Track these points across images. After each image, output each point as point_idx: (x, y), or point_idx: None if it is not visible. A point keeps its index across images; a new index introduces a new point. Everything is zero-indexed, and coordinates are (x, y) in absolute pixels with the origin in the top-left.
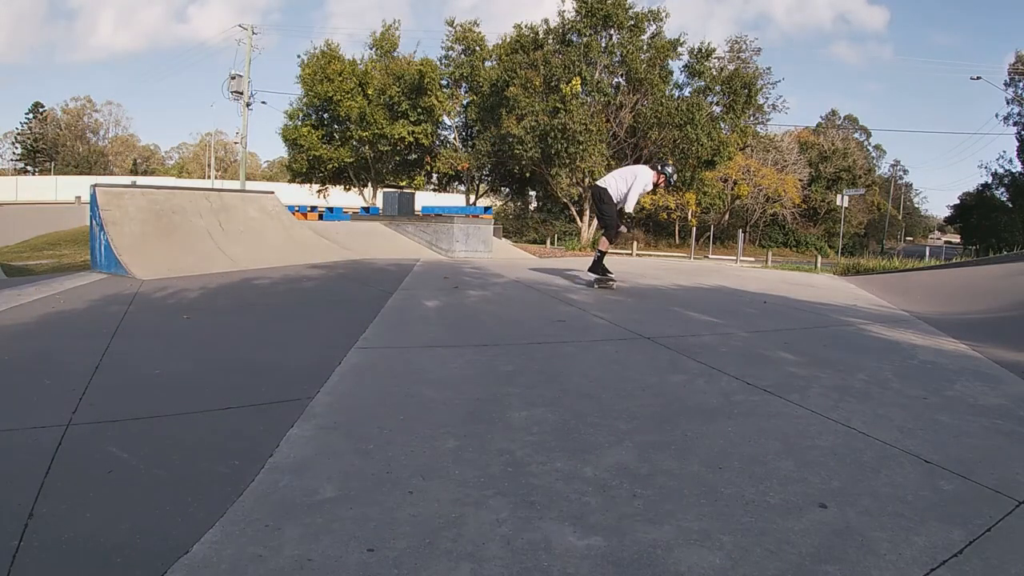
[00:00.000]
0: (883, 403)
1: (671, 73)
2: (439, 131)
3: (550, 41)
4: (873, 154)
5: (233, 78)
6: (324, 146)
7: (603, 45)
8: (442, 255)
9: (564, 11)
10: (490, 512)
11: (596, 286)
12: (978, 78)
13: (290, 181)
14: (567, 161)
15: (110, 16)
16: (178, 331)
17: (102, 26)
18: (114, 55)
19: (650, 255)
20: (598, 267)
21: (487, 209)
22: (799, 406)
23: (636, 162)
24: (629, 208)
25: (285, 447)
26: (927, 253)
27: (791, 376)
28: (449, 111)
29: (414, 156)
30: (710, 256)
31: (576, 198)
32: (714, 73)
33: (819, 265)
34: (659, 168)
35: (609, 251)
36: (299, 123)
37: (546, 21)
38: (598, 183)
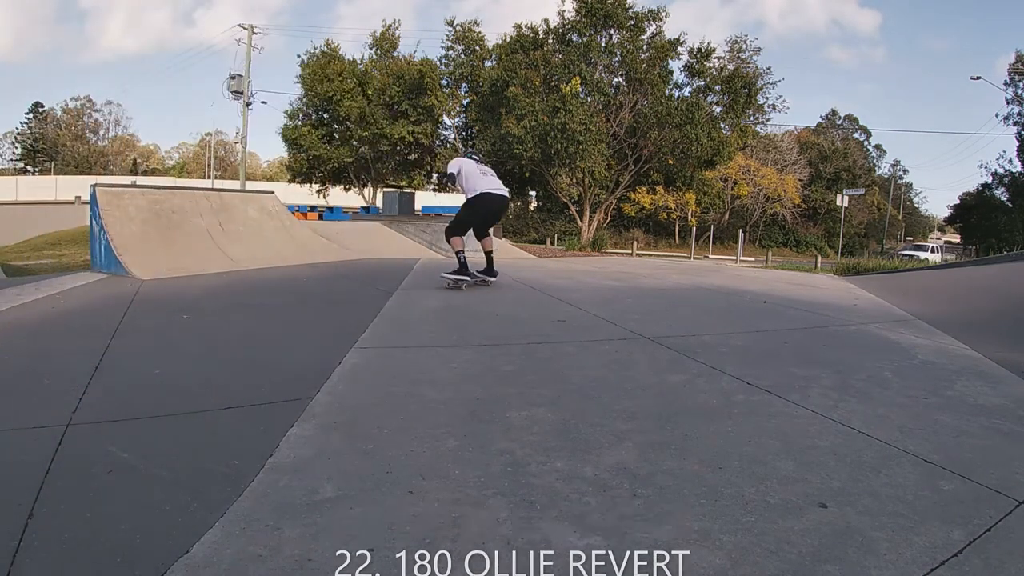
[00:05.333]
0: (883, 403)
1: (671, 73)
2: (439, 131)
3: (550, 41)
4: (873, 154)
5: (233, 78)
6: (324, 146)
7: (603, 45)
8: (442, 255)
9: (564, 11)
10: (490, 512)
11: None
12: (978, 78)
13: (290, 181)
14: (567, 161)
15: (110, 18)
16: (178, 331)
17: (103, 27)
18: (114, 55)
19: (650, 255)
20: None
21: None
22: (799, 406)
23: (636, 163)
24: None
25: (285, 447)
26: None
27: (791, 376)
28: (449, 111)
29: (414, 156)
30: (710, 256)
31: (576, 198)
32: (714, 73)
33: (819, 265)
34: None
35: (608, 251)
36: (299, 123)
37: (546, 21)
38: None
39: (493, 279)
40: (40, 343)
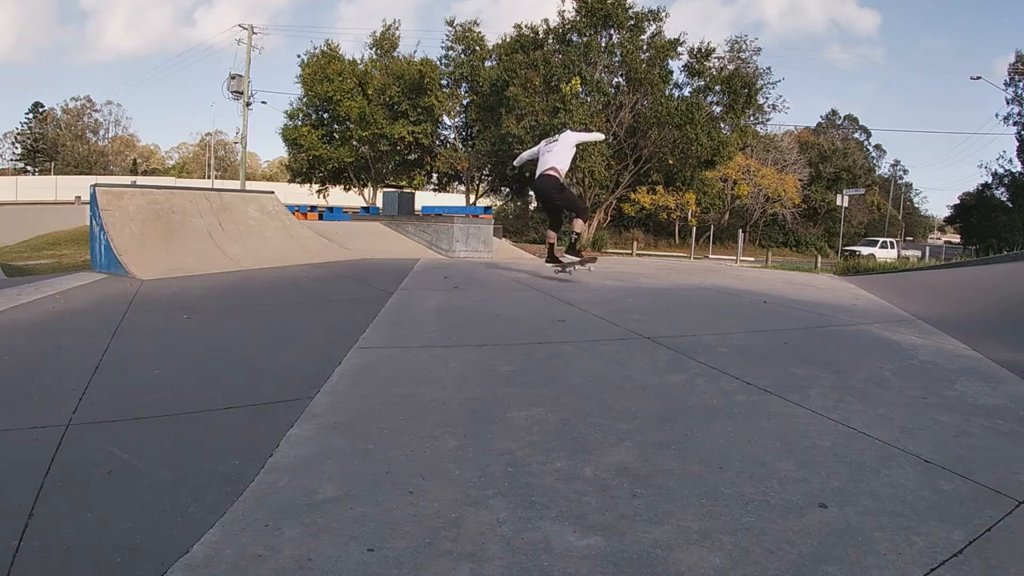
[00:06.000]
0: (883, 403)
1: (671, 73)
2: (439, 131)
3: (550, 41)
4: (873, 154)
5: (233, 78)
6: (324, 146)
7: (603, 45)
8: (442, 255)
9: (564, 11)
10: (490, 512)
11: (571, 270)
12: (978, 78)
13: (290, 181)
14: None
15: (111, 18)
16: (178, 331)
17: (103, 27)
18: (114, 55)
19: (650, 255)
20: (573, 250)
21: (487, 209)
22: (799, 406)
23: (636, 163)
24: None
25: (285, 447)
26: (926, 253)
27: (791, 376)
28: (449, 111)
29: (414, 156)
30: (710, 256)
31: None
32: (714, 73)
33: (819, 265)
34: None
35: (608, 251)
36: (299, 123)
37: (546, 21)
38: (547, 172)
39: (570, 258)
40: (40, 343)
